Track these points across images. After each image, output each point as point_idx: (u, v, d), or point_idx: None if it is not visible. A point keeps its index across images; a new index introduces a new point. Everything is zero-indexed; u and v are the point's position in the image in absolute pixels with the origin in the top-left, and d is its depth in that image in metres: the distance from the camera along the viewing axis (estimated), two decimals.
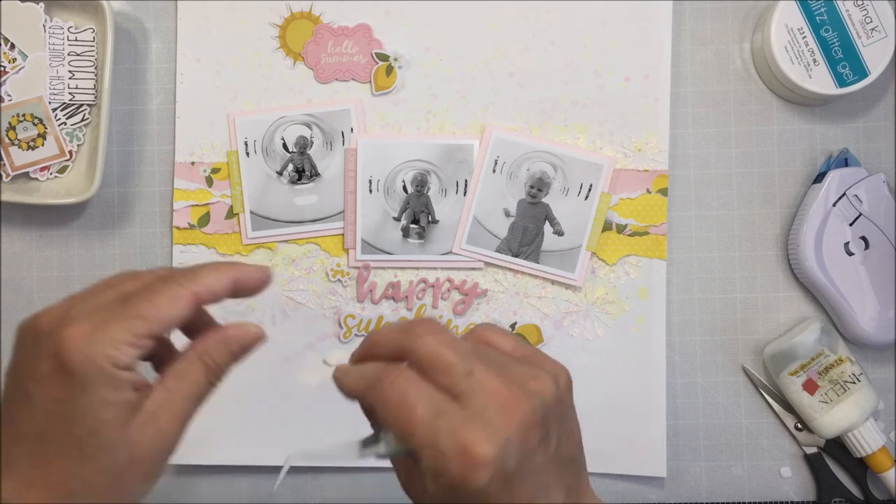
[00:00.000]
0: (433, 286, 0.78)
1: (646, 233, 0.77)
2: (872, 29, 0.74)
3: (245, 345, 0.52)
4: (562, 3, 0.78)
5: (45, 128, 0.76)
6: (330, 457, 0.52)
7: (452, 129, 0.78)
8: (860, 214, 0.75)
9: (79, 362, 0.46)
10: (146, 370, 0.51)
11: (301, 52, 0.78)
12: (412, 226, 0.77)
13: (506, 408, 0.46)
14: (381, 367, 0.49)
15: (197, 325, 0.54)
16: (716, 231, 0.79)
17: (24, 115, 0.76)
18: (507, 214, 0.77)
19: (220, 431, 0.77)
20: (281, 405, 0.78)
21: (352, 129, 0.78)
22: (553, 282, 0.78)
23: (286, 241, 0.78)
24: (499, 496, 0.46)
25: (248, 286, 0.52)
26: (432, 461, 0.46)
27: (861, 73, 0.74)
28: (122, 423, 0.47)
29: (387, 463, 0.77)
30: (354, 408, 0.78)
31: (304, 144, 0.78)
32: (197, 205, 0.78)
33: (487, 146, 0.77)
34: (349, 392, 0.51)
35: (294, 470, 0.78)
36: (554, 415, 0.49)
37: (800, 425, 0.77)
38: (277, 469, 0.78)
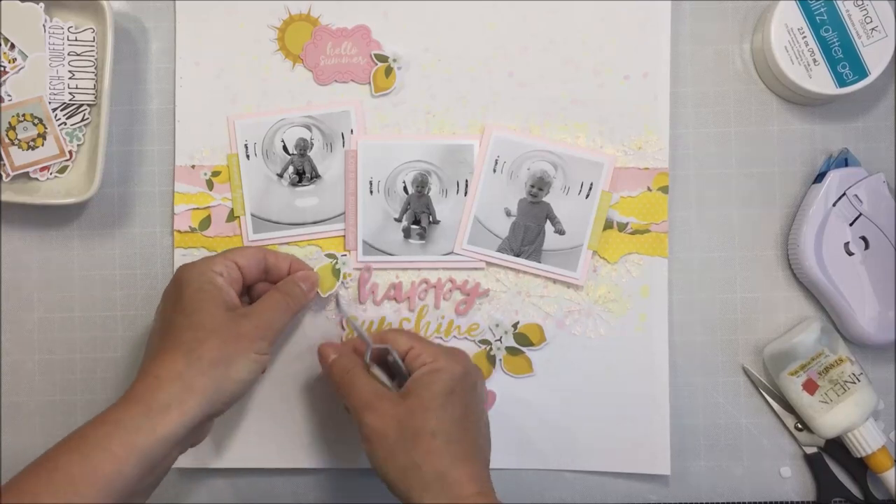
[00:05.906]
0: (435, 287, 0.78)
1: (647, 231, 0.77)
2: (872, 29, 0.74)
3: (310, 281, 0.74)
4: (561, 3, 0.78)
5: (45, 128, 0.76)
6: None
7: (452, 129, 0.78)
8: (860, 214, 0.75)
9: (184, 277, 0.69)
10: None
11: (300, 53, 0.78)
12: (413, 226, 0.77)
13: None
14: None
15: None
16: (716, 231, 0.79)
17: (24, 115, 0.76)
18: (508, 214, 0.77)
19: (221, 434, 0.77)
20: (282, 408, 0.78)
21: (352, 131, 0.78)
22: (555, 281, 0.78)
23: (287, 244, 0.78)
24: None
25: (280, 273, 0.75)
26: None
27: (861, 73, 0.74)
28: (218, 305, 0.67)
29: None
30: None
31: (304, 146, 0.78)
32: (198, 208, 0.78)
33: (487, 146, 0.77)
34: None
35: (294, 470, 0.78)
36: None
37: (800, 425, 0.78)
38: (279, 471, 0.78)
